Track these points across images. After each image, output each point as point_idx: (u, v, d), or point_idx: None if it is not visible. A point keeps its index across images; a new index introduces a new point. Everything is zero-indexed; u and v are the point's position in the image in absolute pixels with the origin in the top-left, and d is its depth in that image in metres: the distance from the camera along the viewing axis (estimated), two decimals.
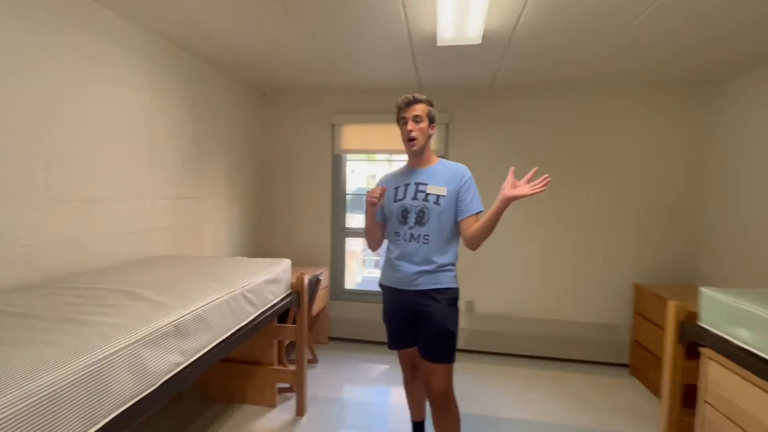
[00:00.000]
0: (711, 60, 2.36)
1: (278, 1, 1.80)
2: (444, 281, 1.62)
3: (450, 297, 1.63)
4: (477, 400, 2.46)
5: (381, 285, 1.79)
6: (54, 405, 0.81)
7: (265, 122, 3.42)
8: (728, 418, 1.46)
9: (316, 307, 2.96)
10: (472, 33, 1.99)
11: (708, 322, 1.60)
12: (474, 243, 1.61)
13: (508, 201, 1.51)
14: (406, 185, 1.68)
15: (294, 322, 2.39)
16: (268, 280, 1.87)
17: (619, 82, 2.84)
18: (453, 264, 1.67)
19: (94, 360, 0.91)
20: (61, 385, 0.83)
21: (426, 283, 1.62)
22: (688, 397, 1.78)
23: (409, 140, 1.63)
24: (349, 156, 3.47)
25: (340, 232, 3.44)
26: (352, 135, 3.31)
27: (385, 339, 3.30)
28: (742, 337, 1.42)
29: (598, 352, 3.02)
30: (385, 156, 3.62)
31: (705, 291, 1.62)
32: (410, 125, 1.61)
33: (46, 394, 0.80)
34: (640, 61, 2.42)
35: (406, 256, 1.64)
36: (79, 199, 1.77)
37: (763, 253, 2.31)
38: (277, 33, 2.13)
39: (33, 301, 1.27)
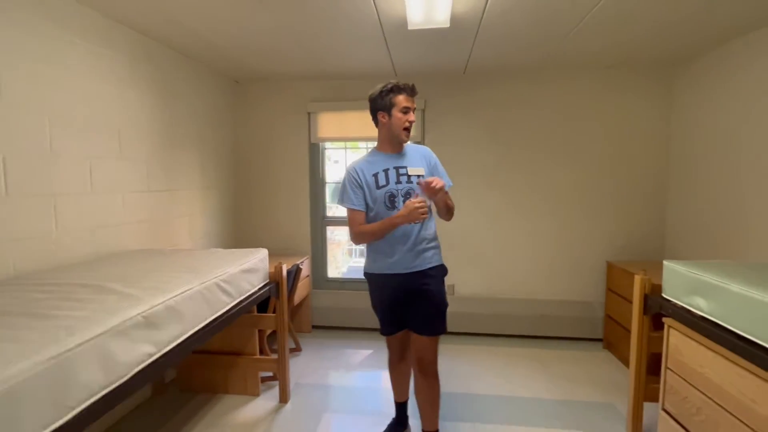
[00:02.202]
0: (675, 41, 2.41)
1: None
2: (436, 259, 1.73)
3: (442, 274, 1.74)
4: (459, 378, 2.53)
5: (369, 274, 1.78)
6: (13, 399, 0.80)
7: (240, 111, 3.36)
8: (687, 382, 1.55)
9: (298, 296, 2.97)
10: (440, 16, 1.99)
11: (670, 293, 1.68)
12: (443, 218, 1.80)
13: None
14: (386, 170, 1.69)
15: (275, 311, 2.40)
16: (244, 269, 1.86)
17: (589, 65, 2.89)
18: (438, 240, 1.78)
19: (57, 353, 0.90)
20: (20, 379, 0.82)
21: (422, 264, 1.68)
22: (656, 366, 1.88)
23: (406, 129, 1.67)
24: (328, 144, 3.44)
25: (320, 221, 3.44)
26: (328, 123, 3.29)
27: (368, 325, 3.36)
28: (699, 305, 1.49)
29: (573, 329, 3.13)
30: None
31: (667, 264, 1.70)
32: (412, 116, 1.66)
33: (6, 388, 0.79)
34: (607, 43, 2.46)
35: (400, 240, 1.66)
36: (42, 194, 1.71)
37: (728, 228, 2.42)
38: (248, 19, 2.09)
39: None
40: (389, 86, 1.65)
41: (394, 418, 2.00)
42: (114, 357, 1.06)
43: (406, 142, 1.74)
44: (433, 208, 1.76)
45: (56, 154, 1.78)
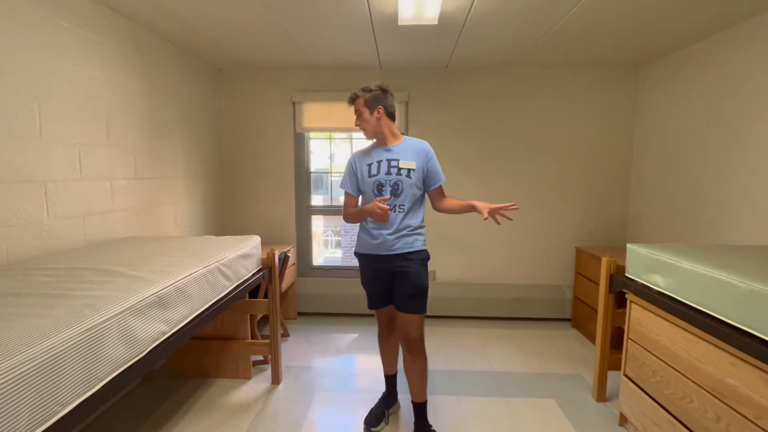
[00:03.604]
0: (640, 45, 2.63)
1: None
2: (417, 245, 1.85)
3: (422, 258, 1.86)
4: (441, 358, 2.69)
5: (358, 253, 1.94)
6: (54, 368, 0.86)
7: (224, 100, 3.34)
8: (645, 349, 1.76)
9: (285, 283, 3.03)
10: (430, 13, 2.09)
11: (632, 272, 1.88)
12: (444, 212, 1.95)
13: (481, 210, 1.90)
14: (379, 162, 1.85)
15: (265, 297, 2.46)
16: (240, 255, 1.92)
17: (561, 64, 3.09)
18: (423, 228, 1.90)
19: (87, 327, 0.96)
20: (60, 349, 0.87)
21: (403, 247, 1.82)
22: (617, 341, 2.10)
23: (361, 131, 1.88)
24: (312, 135, 3.49)
25: (305, 211, 3.49)
26: (313, 113, 3.33)
27: (353, 311, 3.48)
28: (656, 282, 1.70)
29: (544, 310, 3.37)
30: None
31: (630, 246, 1.90)
32: (357, 121, 1.85)
33: (47, 358, 0.85)
34: (579, 45, 2.65)
35: (384, 226, 1.81)
36: (32, 180, 1.70)
37: (685, 215, 2.69)
38: (236, 6, 2.10)
39: (1, 281, 1.25)
40: (387, 87, 1.86)
41: (384, 393, 2.13)
42: (134, 333, 1.11)
43: (370, 139, 1.93)
44: (427, 200, 1.93)
45: (46, 140, 1.76)
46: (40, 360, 0.82)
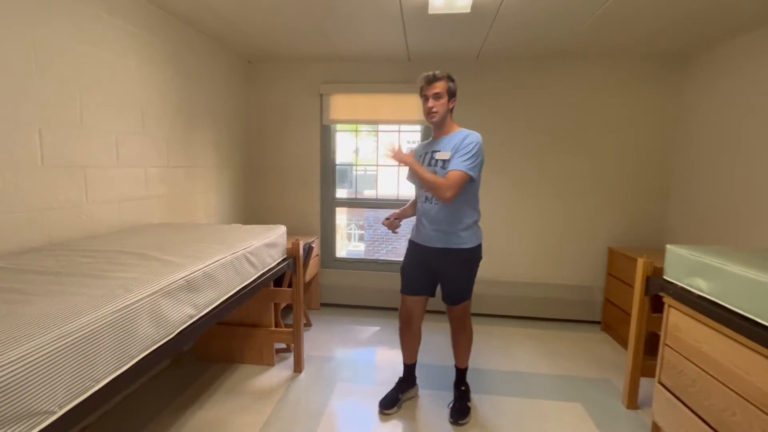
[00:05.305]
0: (687, 34, 2.46)
1: None
2: (456, 242, 1.84)
3: (462, 258, 1.87)
4: None
5: (410, 240, 2.03)
6: (90, 344, 0.89)
7: (253, 91, 3.39)
8: (684, 357, 1.66)
9: (309, 273, 3.07)
10: (462, 1, 2.02)
11: (671, 275, 1.78)
12: (433, 193, 1.86)
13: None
14: (425, 153, 1.91)
15: (290, 286, 2.49)
16: (266, 243, 1.94)
17: (599, 54, 2.94)
18: (465, 224, 1.85)
19: (120, 306, 0.99)
20: (95, 326, 0.91)
21: (439, 242, 1.86)
22: (650, 347, 2.00)
23: (428, 114, 1.82)
24: (338, 128, 3.49)
25: (330, 202, 3.51)
26: (340, 105, 3.33)
27: (375, 304, 3.49)
28: (698, 286, 1.59)
29: (573, 311, 3.26)
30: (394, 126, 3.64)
31: (670, 247, 1.79)
32: (431, 102, 1.79)
33: (83, 334, 0.88)
34: (620, 34, 2.51)
35: (425, 215, 1.89)
36: (73, 165, 1.77)
37: (725, 217, 2.52)
38: None
39: (43, 261, 1.31)
40: (418, 80, 1.85)
41: (401, 377, 2.15)
42: (164, 315, 1.14)
43: (435, 125, 1.89)
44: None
45: (86, 128, 1.83)
46: (76, 336, 0.85)
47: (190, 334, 1.28)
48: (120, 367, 0.98)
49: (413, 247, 2.00)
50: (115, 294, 1.02)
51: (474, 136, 1.80)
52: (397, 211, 2.11)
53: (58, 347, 0.82)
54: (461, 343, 2.05)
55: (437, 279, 1.97)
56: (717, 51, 2.64)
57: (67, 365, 0.84)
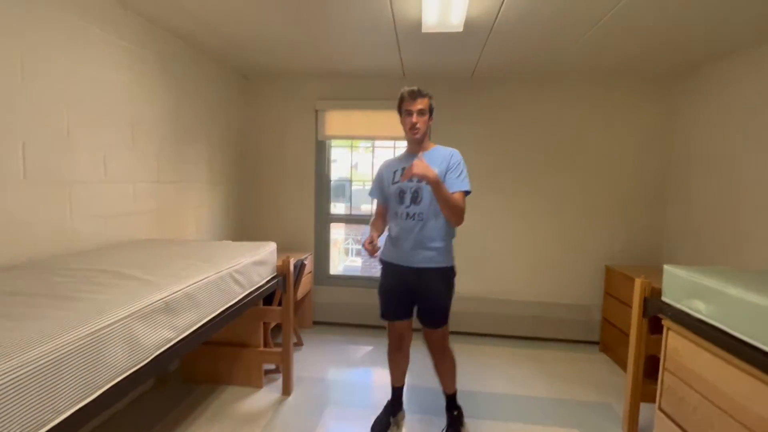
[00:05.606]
0: (678, 54, 2.48)
1: None
2: (437, 260, 1.79)
3: (442, 276, 1.80)
4: (460, 377, 2.52)
5: (382, 260, 1.92)
6: (55, 372, 0.84)
7: (248, 107, 3.39)
8: (684, 382, 1.60)
9: (301, 291, 3.00)
10: (455, 20, 2.03)
11: (669, 296, 1.73)
12: (447, 217, 1.77)
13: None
14: (403, 168, 1.83)
15: (280, 305, 2.43)
16: (255, 261, 1.89)
17: (594, 73, 2.95)
18: (446, 242, 1.82)
19: (90, 331, 0.94)
20: (60, 353, 0.85)
21: (421, 262, 1.78)
22: (651, 369, 1.94)
23: (411, 129, 1.78)
24: (334, 143, 3.48)
25: (324, 218, 3.47)
26: (336, 121, 3.32)
27: (369, 322, 3.40)
28: (697, 308, 1.55)
29: (571, 331, 3.19)
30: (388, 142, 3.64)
31: (667, 268, 1.75)
32: (415, 117, 1.76)
33: (46, 362, 0.82)
34: (613, 54, 2.52)
35: (403, 234, 1.79)
36: (58, 181, 1.73)
37: (724, 235, 2.49)
38: (262, 15, 2.12)
39: (18, 281, 1.26)
40: (399, 95, 1.80)
41: (389, 400, 2.09)
42: (138, 340, 1.09)
43: (417, 141, 1.83)
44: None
45: (73, 142, 1.80)
46: (38, 364, 0.80)
47: (167, 358, 1.22)
48: (86, 397, 0.93)
49: (391, 268, 1.87)
50: (86, 318, 0.97)
51: (457, 153, 1.83)
52: (372, 232, 1.85)
53: (17, 377, 0.76)
54: (445, 371, 1.96)
55: (415, 300, 1.87)
56: (705, 72, 2.65)
57: (26, 396, 0.78)
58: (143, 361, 1.11)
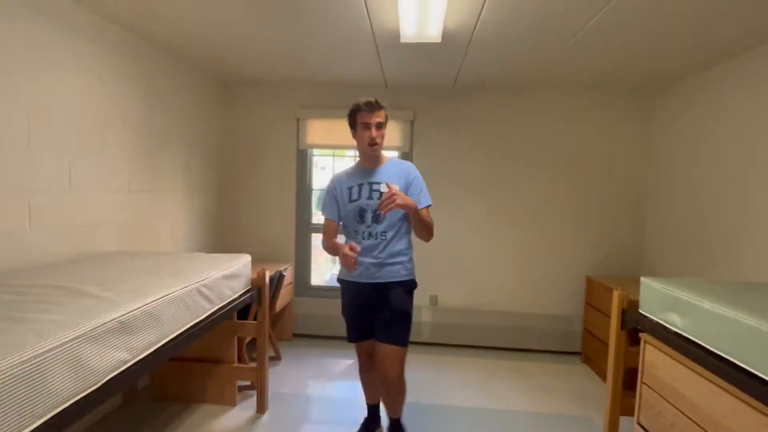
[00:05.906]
0: (657, 66, 2.52)
1: None
2: (402, 274, 1.73)
3: (407, 287, 1.75)
4: (438, 390, 2.52)
5: (340, 280, 1.84)
6: None
7: (228, 115, 3.33)
8: (662, 397, 1.58)
9: (280, 303, 2.93)
10: (432, 31, 2.03)
11: (646, 309, 1.72)
12: (420, 237, 1.74)
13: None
14: (360, 185, 1.75)
15: (255, 319, 2.35)
16: (226, 275, 1.83)
17: (575, 84, 2.99)
18: (409, 255, 1.78)
19: (26, 358, 0.86)
20: None
21: (386, 276, 1.71)
22: (632, 381, 1.92)
23: (371, 144, 1.69)
24: (315, 151, 3.43)
25: (305, 228, 3.41)
26: (317, 130, 3.28)
27: None
28: (674, 321, 1.53)
29: (552, 342, 3.17)
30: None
31: (644, 280, 1.74)
32: (374, 131, 1.67)
33: None
34: (592, 66, 2.56)
35: (365, 252, 1.70)
36: (16, 190, 1.65)
37: (703, 245, 2.51)
38: (240, 24, 2.08)
39: None
40: (353, 106, 1.72)
41: (366, 417, 2.03)
42: (86, 363, 1.01)
43: (374, 154, 1.75)
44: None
45: (34, 150, 1.72)
46: None
47: (122, 382, 1.14)
48: (25, 428, 0.85)
49: (351, 287, 1.78)
50: (24, 342, 0.89)
51: (413, 167, 1.80)
52: (349, 242, 1.73)
53: None
54: (398, 400, 1.82)
55: (375, 317, 1.75)
56: (686, 84, 2.70)
57: None
58: (93, 386, 1.03)
